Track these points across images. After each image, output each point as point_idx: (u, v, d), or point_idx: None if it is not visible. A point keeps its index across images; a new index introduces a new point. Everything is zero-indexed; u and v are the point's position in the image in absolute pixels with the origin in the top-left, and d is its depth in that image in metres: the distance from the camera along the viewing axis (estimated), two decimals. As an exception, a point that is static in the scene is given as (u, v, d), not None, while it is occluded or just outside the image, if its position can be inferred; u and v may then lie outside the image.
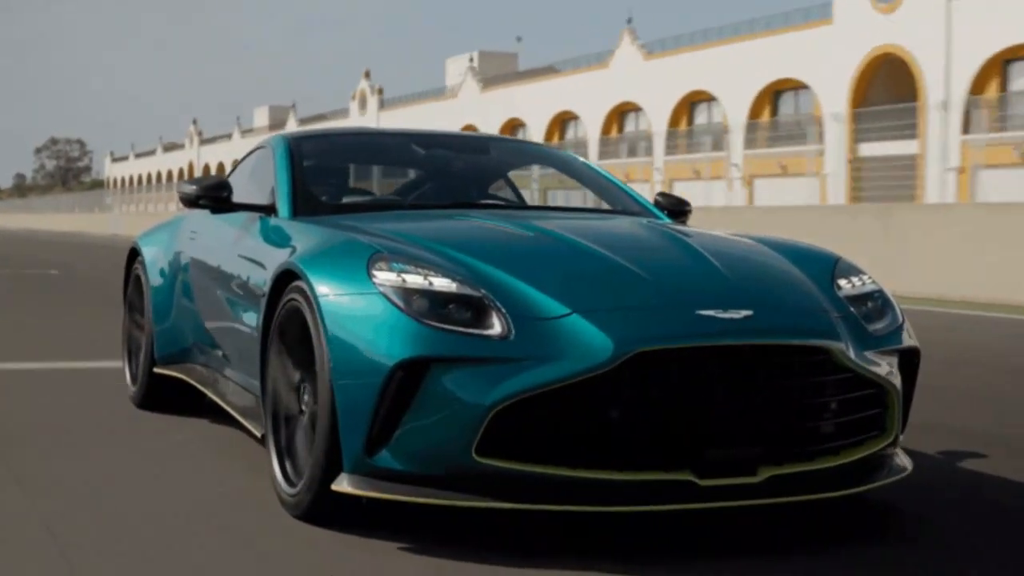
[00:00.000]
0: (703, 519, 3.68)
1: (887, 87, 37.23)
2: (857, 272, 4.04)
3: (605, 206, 5.24)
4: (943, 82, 34.71)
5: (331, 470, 3.44)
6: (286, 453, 3.80)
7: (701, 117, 46.13)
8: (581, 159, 5.76)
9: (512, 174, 5.83)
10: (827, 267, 3.98)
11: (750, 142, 41.70)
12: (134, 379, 5.91)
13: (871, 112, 36.86)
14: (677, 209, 5.25)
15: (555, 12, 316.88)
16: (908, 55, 35.89)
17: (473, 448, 3.24)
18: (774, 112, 42.51)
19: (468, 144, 5.94)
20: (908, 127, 35.69)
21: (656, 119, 46.43)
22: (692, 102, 45.92)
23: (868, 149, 37.03)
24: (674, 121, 45.99)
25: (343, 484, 3.40)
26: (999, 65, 34.23)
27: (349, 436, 3.37)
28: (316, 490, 3.50)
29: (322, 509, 3.54)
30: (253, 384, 4.23)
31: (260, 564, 3.25)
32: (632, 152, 48.53)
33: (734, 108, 42.53)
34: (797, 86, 41.04)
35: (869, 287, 3.96)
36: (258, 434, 4.13)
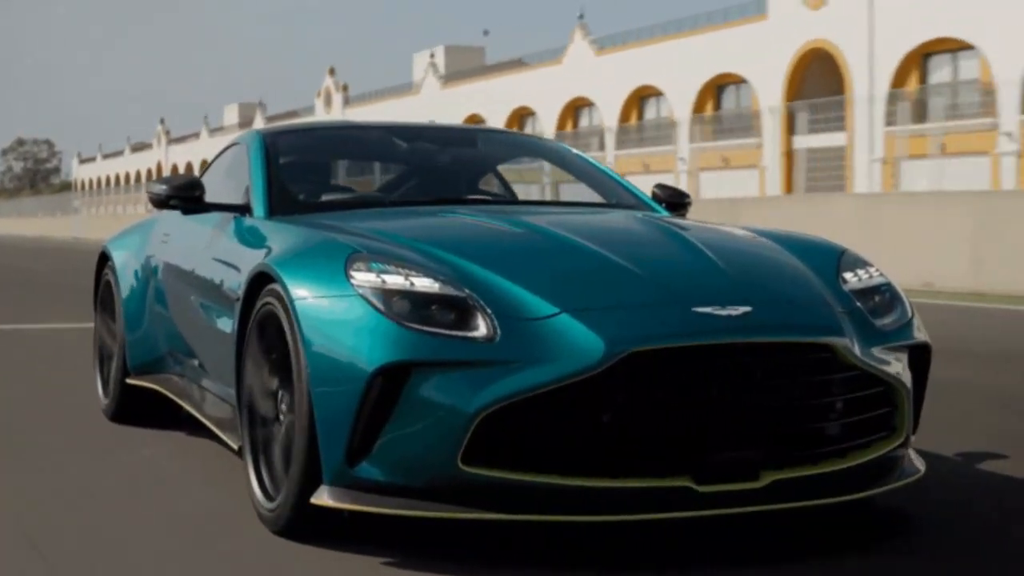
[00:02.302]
0: (701, 526, 3.70)
1: (818, 81, 39.29)
2: (864, 264, 4.05)
3: (599, 199, 5.26)
4: (867, 75, 36.77)
5: (310, 482, 3.46)
6: (264, 465, 3.82)
7: (651, 112, 47.89)
8: (574, 150, 5.78)
9: (510, 168, 5.84)
10: (831, 259, 3.99)
11: (695, 136, 43.27)
12: (106, 391, 5.93)
13: (803, 105, 38.81)
14: (675, 201, 5.25)
15: (524, 5, 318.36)
16: (835, 49, 37.92)
17: (459, 457, 3.26)
18: (717, 106, 44.69)
19: (454, 137, 5.96)
20: (837, 119, 37.71)
21: (608, 114, 47.98)
22: (641, 97, 47.80)
23: (801, 141, 39.04)
24: (624, 116, 47.64)
25: (323, 497, 3.42)
26: (919, 59, 36.16)
27: (328, 446, 3.39)
28: (295, 504, 3.52)
29: (302, 523, 3.56)
30: (230, 394, 4.25)
31: (237, 582, 3.27)
32: (585, 147, 49.85)
33: (680, 103, 44.73)
34: (737, 80, 43.22)
35: (876, 280, 3.97)
36: (235, 447, 4.15)
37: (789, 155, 39.40)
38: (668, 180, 42.61)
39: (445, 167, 5.44)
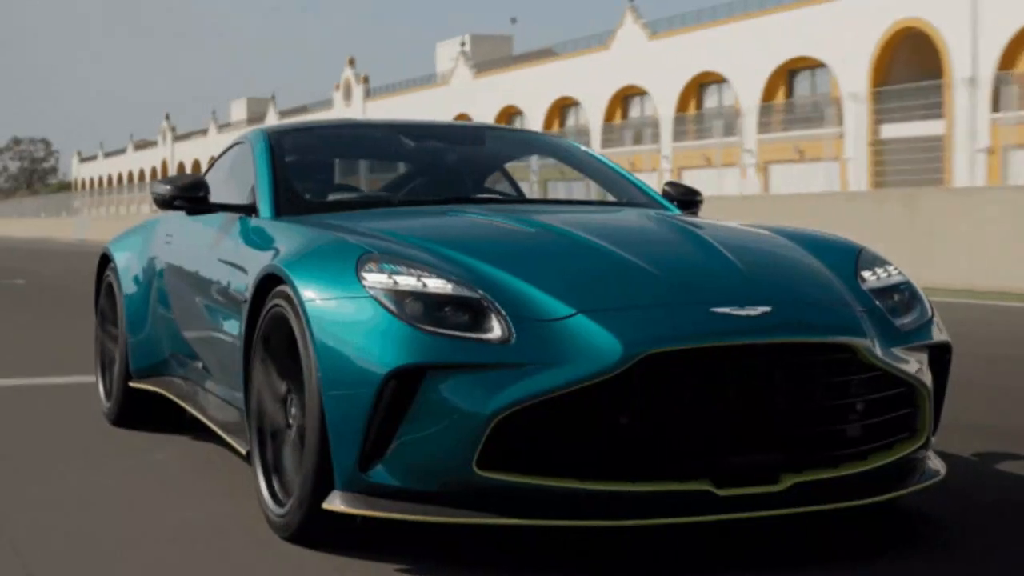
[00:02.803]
0: (718, 529, 3.69)
1: (910, 64, 37.31)
2: (882, 263, 4.04)
3: (610, 198, 5.25)
4: (970, 57, 34.76)
5: (322, 487, 3.44)
6: (273, 470, 3.81)
7: (711, 100, 46.12)
8: (583, 147, 5.77)
9: (509, 165, 5.83)
10: (850, 258, 3.98)
11: (764, 126, 41.76)
12: (108, 394, 5.92)
13: (893, 91, 36.91)
14: (687, 199, 5.25)
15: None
16: (932, 29, 35.96)
17: (474, 461, 3.24)
18: (789, 93, 42.58)
19: (462, 135, 5.94)
20: (933, 106, 35.75)
21: (663, 103, 46.41)
22: (701, 84, 45.92)
23: (891, 130, 37.08)
24: (682, 105, 45.97)
25: (335, 502, 3.41)
26: None
27: (341, 451, 3.37)
28: (306, 509, 3.50)
29: (313, 529, 3.54)
30: (236, 397, 4.24)
31: (248, 590, 3.26)
32: (638, 139, 48.44)
33: (746, 90, 42.62)
34: (813, 65, 41.09)
35: (895, 278, 3.96)
36: (243, 451, 4.14)
37: (876, 145, 37.18)
38: (734, 175, 41.42)
39: (453, 165, 5.42)
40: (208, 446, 5.16)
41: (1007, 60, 34.30)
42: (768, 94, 42.23)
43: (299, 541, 3.59)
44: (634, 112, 49.92)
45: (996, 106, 34.23)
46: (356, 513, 3.39)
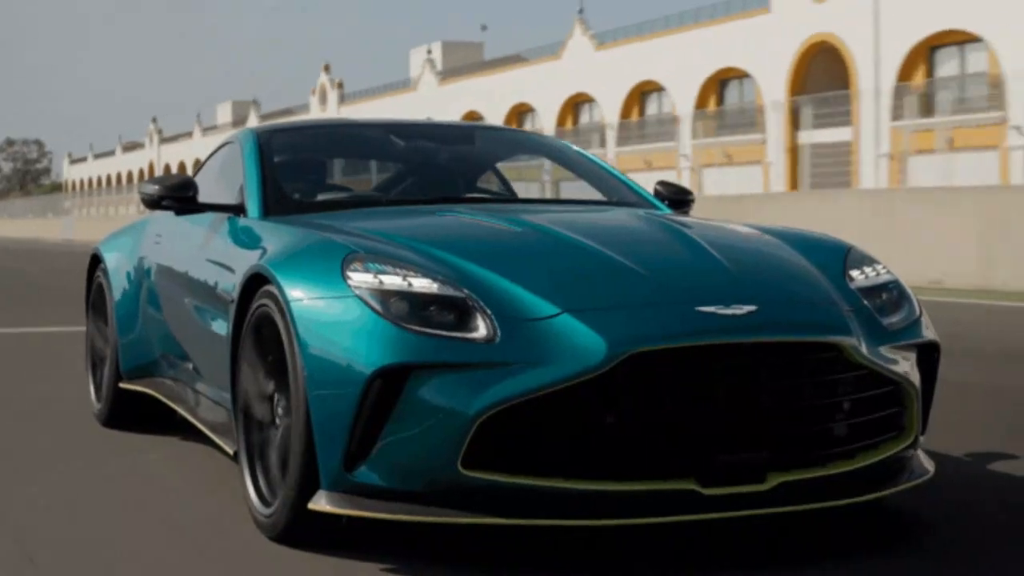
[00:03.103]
0: (704, 528, 3.71)
1: (823, 75, 39.65)
2: (871, 262, 4.05)
3: (601, 197, 5.26)
4: (873, 69, 37.03)
5: (308, 487, 3.46)
6: (260, 470, 3.82)
7: (652, 108, 48.00)
8: (575, 147, 5.79)
9: (509, 165, 5.84)
10: (838, 257, 3.99)
11: (698, 132, 43.63)
12: (99, 395, 5.93)
13: (807, 100, 39.11)
14: (678, 199, 5.26)
15: (522, 0, 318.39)
16: (840, 43, 38.24)
17: (459, 460, 3.26)
18: (720, 101, 44.96)
19: (452, 134, 5.96)
20: (843, 114, 37.94)
21: (608, 110, 47.96)
22: (643, 92, 47.91)
23: (806, 136, 39.40)
24: (626, 112, 47.79)
25: (321, 502, 3.42)
26: (926, 51, 36.43)
27: (326, 451, 3.39)
28: (292, 509, 3.52)
29: (299, 529, 3.56)
30: (225, 397, 4.25)
31: (234, 590, 3.27)
32: (586, 145, 50.16)
33: (682, 98, 45.03)
34: (741, 75, 43.58)
35: (884, 277, 3.98)
36: (230, 451, 4.15)
37: (794, 151, 39.69)
38: (670, 177, 42.82)
39: (443, 165, 5.44)
40: (198, 447, 5.17)
41: (906, 72, 36.49)
42: (701, 102, 44.46)
43: (285, 541, 3.60)
44: (583, 118, 52.26)
45: (897, 114, 36.40)
46: (342, 513, 3.41)
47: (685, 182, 42.55)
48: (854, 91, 37.49)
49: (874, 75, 36.97)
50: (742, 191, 35.74)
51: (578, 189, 5.61)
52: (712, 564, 3.48)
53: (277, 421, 3.74)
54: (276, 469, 3.70)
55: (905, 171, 35.48)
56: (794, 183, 39.14)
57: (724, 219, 4.78)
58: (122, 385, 5.62)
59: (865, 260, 4.05)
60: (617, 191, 5.24)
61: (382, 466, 3.35)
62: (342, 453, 3.37)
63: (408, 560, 3.48)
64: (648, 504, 3.30)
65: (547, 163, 6.29)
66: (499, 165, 5.83)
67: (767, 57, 40.62)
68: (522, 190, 5.86)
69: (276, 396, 3.76)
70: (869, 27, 36.97)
